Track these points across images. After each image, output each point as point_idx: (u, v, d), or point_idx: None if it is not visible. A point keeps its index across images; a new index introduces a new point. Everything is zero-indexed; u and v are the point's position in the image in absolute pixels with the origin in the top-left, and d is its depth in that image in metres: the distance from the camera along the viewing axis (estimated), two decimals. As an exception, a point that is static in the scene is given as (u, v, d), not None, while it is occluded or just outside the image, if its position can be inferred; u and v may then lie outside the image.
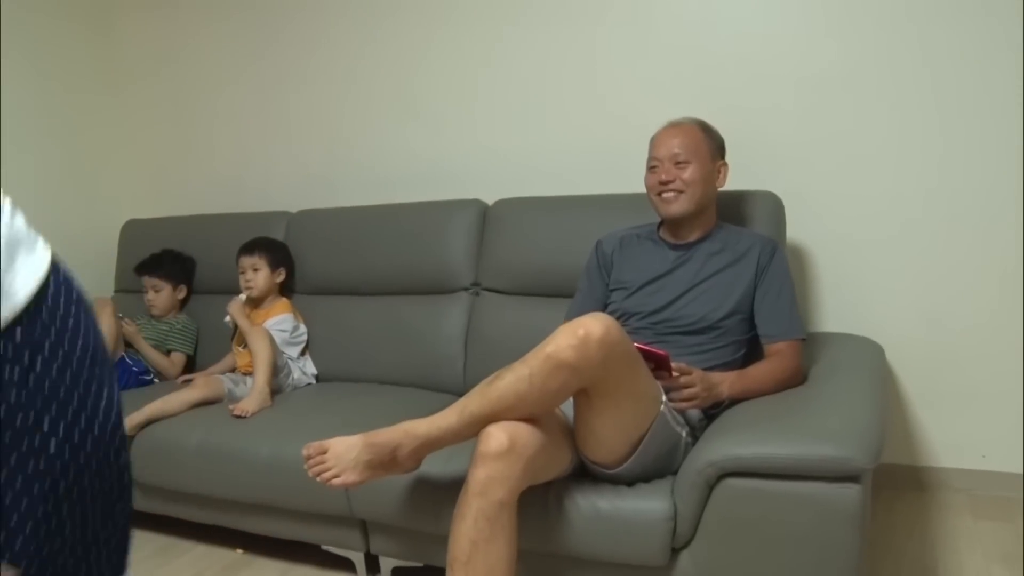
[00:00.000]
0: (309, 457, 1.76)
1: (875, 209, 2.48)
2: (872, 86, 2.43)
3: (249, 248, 2.85)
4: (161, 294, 3.07)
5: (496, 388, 1.66)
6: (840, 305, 2.54)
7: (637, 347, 1.72)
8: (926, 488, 2.59)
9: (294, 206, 3.14)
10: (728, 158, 2.17)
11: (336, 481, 1.72)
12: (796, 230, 2.50)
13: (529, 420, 1.66)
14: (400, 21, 3.01)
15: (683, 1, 2.61)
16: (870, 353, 2.23)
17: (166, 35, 3.46)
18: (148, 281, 3.08)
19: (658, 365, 1.78)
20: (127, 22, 3.52)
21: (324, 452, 1.75)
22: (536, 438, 1.65)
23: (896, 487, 2.59)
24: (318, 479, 1.74)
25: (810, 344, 2.22)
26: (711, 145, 2.12)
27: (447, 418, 1.72)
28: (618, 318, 2.08)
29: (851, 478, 1.58)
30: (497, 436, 1.61)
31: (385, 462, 1.73)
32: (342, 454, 1.73)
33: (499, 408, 1.65)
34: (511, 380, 1.65)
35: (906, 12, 2.36)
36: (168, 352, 3.04)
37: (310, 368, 2.84)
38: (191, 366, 3.08)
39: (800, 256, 2.56)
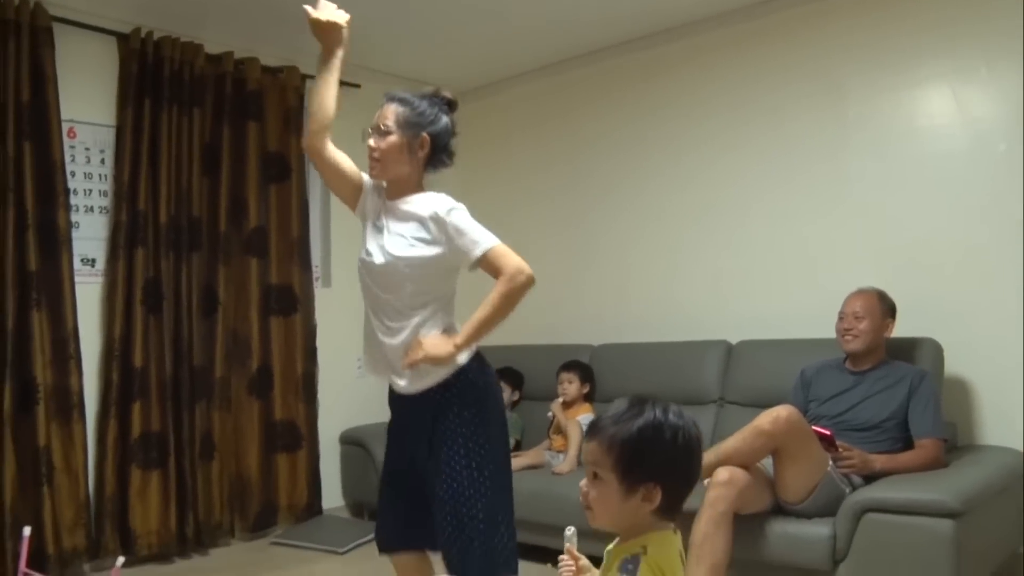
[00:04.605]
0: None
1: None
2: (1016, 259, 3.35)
3: (567, 367, 4.22)
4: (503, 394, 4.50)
5: (723, 446, 2.83)
6: (996, 424, 3.38)
7: (813, 429, 2.81)
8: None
9: (596, 340, 4.49)
10: (902, 308, 3.23)
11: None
12: (957, 365, 3.40)
13: (743, 467, 2.78)
14: (667, 211, 4.37)
15: (874, 203, 3.72)
16: (1006, 455, 3.10)
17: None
18: (495, 386, 4.52)
19: (828, 442, 2.85)
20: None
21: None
22: (746, 477, 2.77)
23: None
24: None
25: (963, 451, 3.13)
26: (883, 308, 3.20)
27: (693, 465, 2.88)
28: (811, 419, 3.14)
29: (948, 515, 2.53)
30: (722, 472, 2.75)
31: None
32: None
33: (724, 458, 2.80)
34: (732, 442, 2.81)
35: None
36: (504, 437, 4.43)
37: (602, 451, 4.09)
38: (517, 448, 4.45)
39: (962, 387, 3.44)
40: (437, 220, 2.19)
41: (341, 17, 2.29)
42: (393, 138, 2.23)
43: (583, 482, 1.46)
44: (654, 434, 1.37)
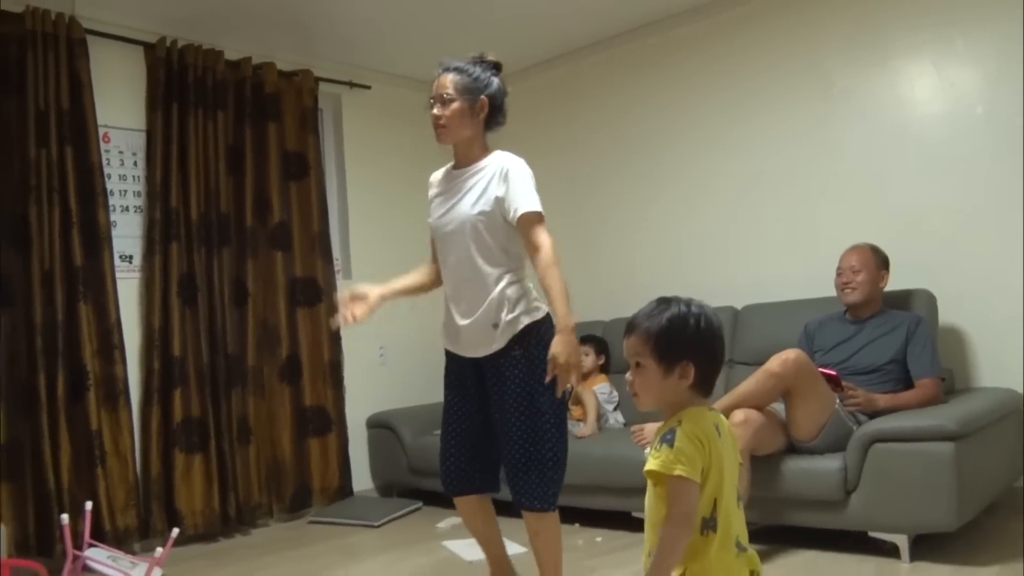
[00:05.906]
0: (634, 432, 3.23)
1: (1012, 301, 3.57)
2: (1008, 221, 3.58)
3: (583, 340, 4.38)
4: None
5: (738, 389, 3.06)
6: (990, 368, 3.61)
7: (819, 371, 3.04)
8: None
9: (608, 316, 4.72)
10: (895, 264, 3.46)
11: (644, 442, 3.17)
12: (951, 315, 3.64)
13: (757, 408, 3.01)
14: (670, 190, 4.62)
15: (863, 169, 3.96)
16: (1000, 392, 3.35)
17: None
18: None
19: (834, 383, 3.08)
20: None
21: (642, 429, 3.22)
22: (760, 418, 2.99)
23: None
24: (636, 441, 3.21)
25: (960, 392, 3.37)
26: (877, 261, 3.43)
27: (711, 411, 3.11)
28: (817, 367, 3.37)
29: (948, 438, 2.76)
30: (738, 414, 2.98)
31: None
32: (653, 430, 3.17)
33: (739, 401, 3.03)
34: (745, 385, 3.05)
35: None
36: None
37: (620, 418, 4.32)
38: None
39: (957, 335, 3.68)
40: (504, 171, 2.43)
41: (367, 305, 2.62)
42: (456, 105, 2.44)
43: (628, 373, 1.68)
44: (681, 321, 1.63)
